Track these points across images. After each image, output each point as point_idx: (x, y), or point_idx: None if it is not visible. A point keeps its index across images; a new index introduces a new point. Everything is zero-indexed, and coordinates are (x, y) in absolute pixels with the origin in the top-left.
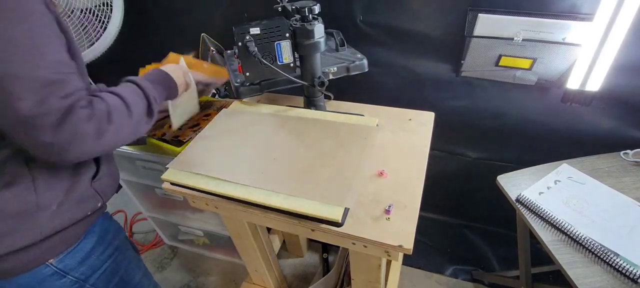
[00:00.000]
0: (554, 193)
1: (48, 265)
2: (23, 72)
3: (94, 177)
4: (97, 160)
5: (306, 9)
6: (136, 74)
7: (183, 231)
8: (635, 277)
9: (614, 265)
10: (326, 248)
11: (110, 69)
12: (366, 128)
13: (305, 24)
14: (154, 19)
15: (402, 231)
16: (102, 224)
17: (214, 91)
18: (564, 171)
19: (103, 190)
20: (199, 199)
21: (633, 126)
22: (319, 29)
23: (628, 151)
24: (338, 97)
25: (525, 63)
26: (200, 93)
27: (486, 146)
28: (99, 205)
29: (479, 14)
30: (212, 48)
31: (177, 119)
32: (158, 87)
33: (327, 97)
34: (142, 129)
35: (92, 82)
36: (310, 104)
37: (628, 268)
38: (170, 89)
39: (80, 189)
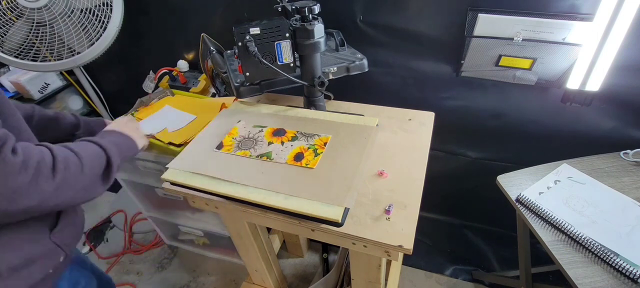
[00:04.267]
0: (554, 193)
1: None
2: None
3: (53, 228)
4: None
5: (306, 9)
6: (137, 73)
7: (183, 231)
8: (635, 277)
9: (614, 265)
10: (326, 248)
11: (109, 68)
12: (366, 128)
13: (305, 24)
14: (153, 19)
15: (402, 231)
16: (70, 277)
17: (213, 91)
18: (564, 171)
19: (65, 243)
20: (199, 199)
21: (633, 126)
22: (319, 29)
23: (628, 151)
24: (338, 97)
25: (525, 63)
26: None
27: (486, 146)
28: (62, 259)
29: (479, 14)
30: (212, 48)
31: None
32: (122, 152)
33: (327, 97)
34: (95, 191)
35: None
36: (310, 104)
37: (628, 268)
38: (130, 150)
39: (37, 247)
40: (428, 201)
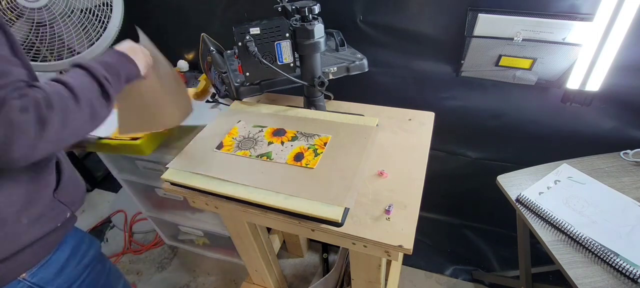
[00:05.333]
0: (554, 193)
1: (21, 280)
2: None
3: (56, 187)
4: (58, 169)
5: (306, 9)
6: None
7: (183, 231)
8: (635, 277)
9: (614, 265)
10: (326, 248)
11: None
12: (366, 128)
13: (305, 24)
14: (153, 19)
15: (402, 231)
16: (76, 235)
17: (213, 91)
18: (564, 171)
19: (69, 200)
20: (199, 199)
21: (633, 126)
22: (319, 29)
23: (628, 151)
24: (338, 97)
25: (525, 63)
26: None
27: (486, 146)
28: (68, 215)
29: (479, 14)
30: (212, 48)
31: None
32: (111, 66)
33: (327, 97)
34: (101, 113)
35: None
36: (310, 104)
37: (628, 268)
38: (127, 65)
39: (44, 202)
40: (428, 201)
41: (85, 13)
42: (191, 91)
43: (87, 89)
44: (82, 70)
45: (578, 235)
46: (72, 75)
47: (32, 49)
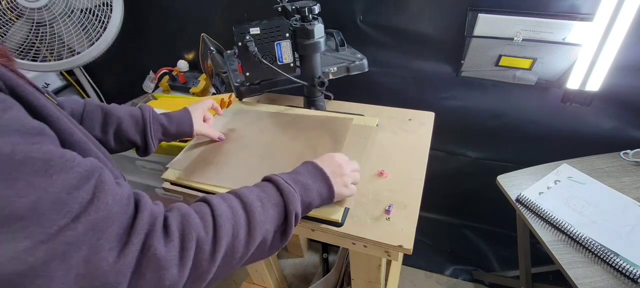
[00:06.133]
0: (554, 193)
1: None
2: None
3: None
4: None
5: (306, 9)
6: (137, 73)
7: None
8: (635, 277)
9: (614, 265)
10: (326, 248)
11: (109, 68)
12: (366, 128)
13: (305, 24)
14: (154, 19)
15: (402, 231)
16: None
17: (213, 91)
18: (564, 171)
19: None
20: None
21: (633, 126)
22: (319, 29)
23: (628, 151)
24: (338, 97)
25: (525, 63)
26: None
27: (486, 146)
28: None
29: (479, 14)
30: (212, 48)
31: None
32: (308, 189)
33: (327, 97)
34: (260, 256)
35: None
36: (310, 104)
37: (628, 268)
38: (324, 189)
39: None
40: (428, 201)
41: (85, 13)
42: (191, 91)
43: (267, 221)
44: (276, 193)
45: (578, 235)
46: (259, 193)
47: (32, 49)
